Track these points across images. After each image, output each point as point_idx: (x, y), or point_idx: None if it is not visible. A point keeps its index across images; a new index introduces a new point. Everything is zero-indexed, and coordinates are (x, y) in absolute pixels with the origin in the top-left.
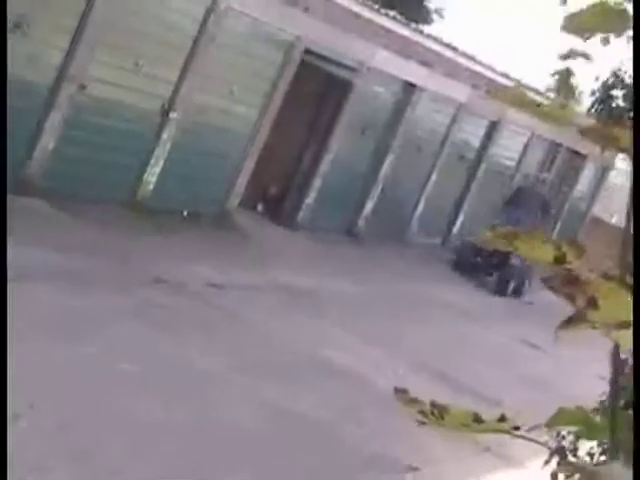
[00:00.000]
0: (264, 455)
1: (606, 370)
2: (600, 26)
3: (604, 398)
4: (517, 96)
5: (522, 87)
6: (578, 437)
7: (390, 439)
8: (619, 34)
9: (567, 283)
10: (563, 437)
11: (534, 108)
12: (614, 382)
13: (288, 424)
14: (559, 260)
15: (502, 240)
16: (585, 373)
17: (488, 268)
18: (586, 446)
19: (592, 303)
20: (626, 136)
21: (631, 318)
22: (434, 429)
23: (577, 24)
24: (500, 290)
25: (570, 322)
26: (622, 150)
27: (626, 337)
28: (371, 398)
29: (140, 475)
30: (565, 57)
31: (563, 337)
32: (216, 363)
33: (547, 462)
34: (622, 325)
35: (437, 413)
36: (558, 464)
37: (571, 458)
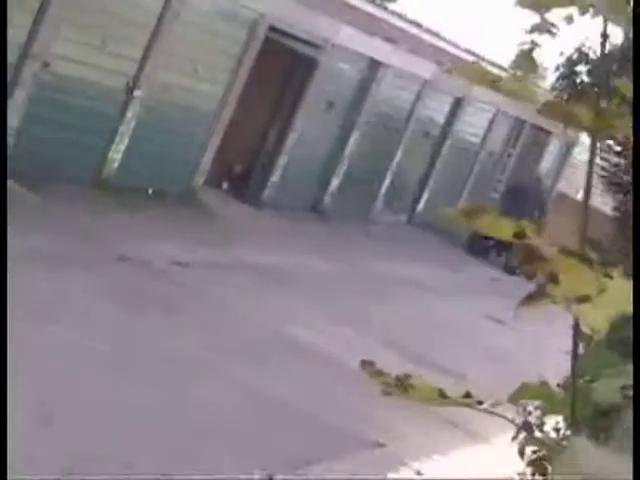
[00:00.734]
0: (232, 433)
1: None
2: (556, 0)
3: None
4: (476, 72)
5: (482, 63)
6: (544, 412)
7: (357, 416)
8: (582, 11)
9: (528, 260)
10: (530, 412)
11: (492, 84)
12: (574, 357)
13: (256, 403)
14: (518, 235)
15: (462, 218)
16: (552, 348)
17: (498, 249)
18: (552, 421)
19: (552, 278)
20: (586, 114)
21: (593, 294)
22: (401, 405)
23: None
24: (509, 269)
25: (531, 298)
26: (583, 128)
27: (586, 311)
28: (338, 376)
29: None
30: (530, 31)
31: (524, 313)
32: (181, 341)
33: (514, 438)
34: (582, 299)
35: (401, 386)
36: (525, 439)
37: (538, 433)
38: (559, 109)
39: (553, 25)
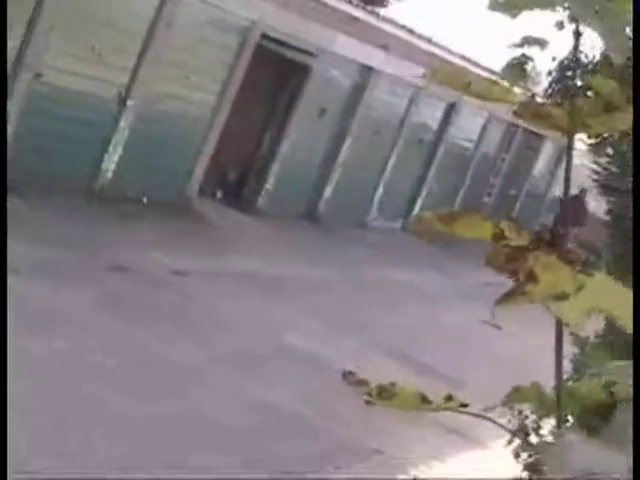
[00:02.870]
0: (228, 442)
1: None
2: (527, 3)
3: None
4: (450, 76)
5: (472, 68)
6: (540, 416)
7: (354, 424)
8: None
9: (508, 259)
10: (526, 416)
11: (466, 88)
12: (559, 356)
13: (253, 412)
14: (497, 237)
15: (439, 223)
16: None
17: None
18: (549, 425)
19: (531, 276)
20: (560, 114)
21: (567, 290)
22: (399, 413)
23: (503, 2)
24: None
25: (509, 297)
26: (558, 129)
27: (563, 308)
28: (335, 384)
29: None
30: (520, 45)
31: (502, 312)
32: (181, 350)
33: (510, 442)
34: (560, 297)
35: (384, 395)
36: (520, 444)
37: (534, 437)
38: (533, 110)
39: (542, 42)
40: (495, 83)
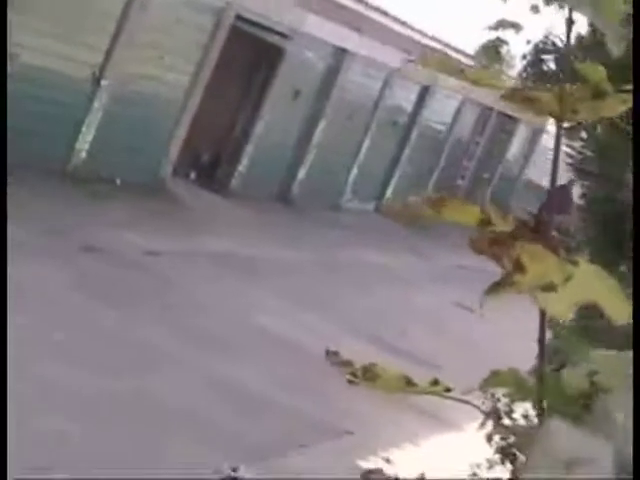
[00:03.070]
0: (199, 423)
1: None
2: None
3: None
4: (441, 62)
5: (448, 53)
6: (513, 399)
7: (326, 405)
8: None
9: (493, 243)
10: (498, 399)
11: (459, 73)
12: (541, 343)
13: (224, 392)
14: (484, 223)
15: (426, 207)
16: (524, 336)
17: None
18: (521, 408)
19: (519, 266)
20: (549, 99)
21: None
22: (371, 393)
23: None
24: None
25: (497, 286)
26: (547, 114)
27: (551, 299)
28: (307, 365)
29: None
30: (495, 28)
31: (490, 302)
32: (152, 329)
33: (482, 425)
34: (548, 287)
35: (369, 376)
36: (493, 427)
37: (506, 420)
38: (523, 95)
39: (517, 25)
40: (485, 68)
